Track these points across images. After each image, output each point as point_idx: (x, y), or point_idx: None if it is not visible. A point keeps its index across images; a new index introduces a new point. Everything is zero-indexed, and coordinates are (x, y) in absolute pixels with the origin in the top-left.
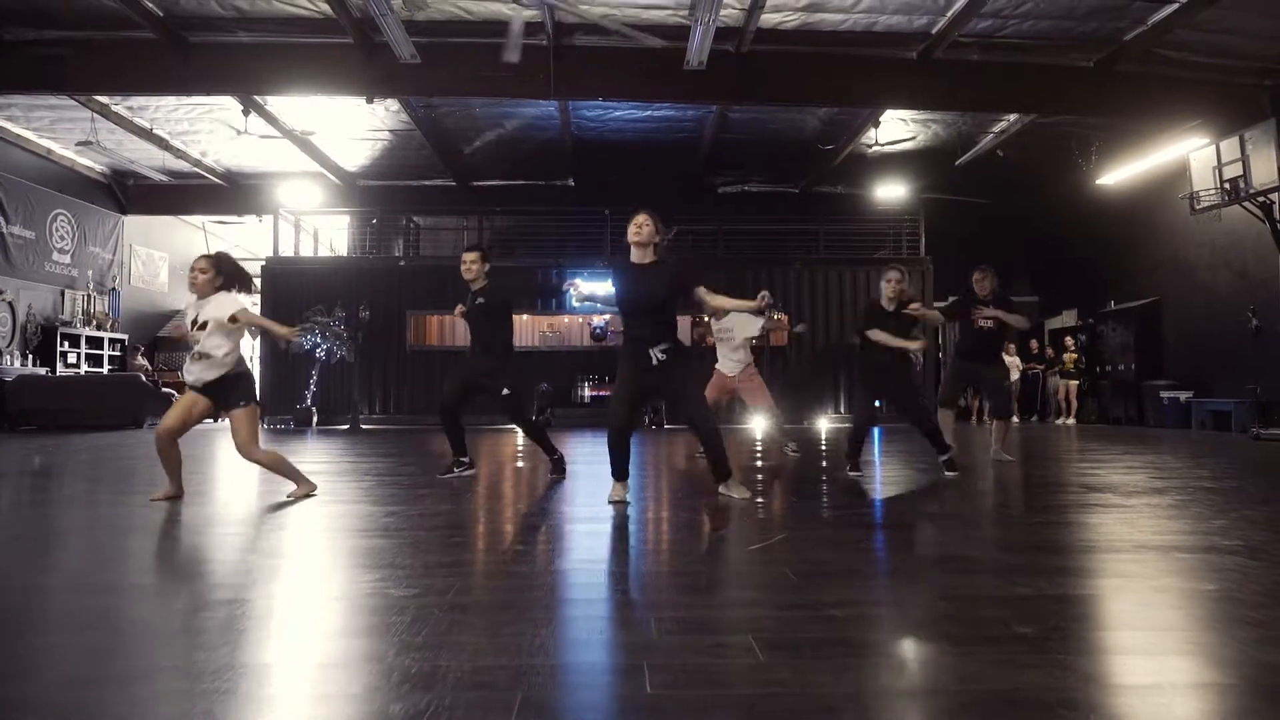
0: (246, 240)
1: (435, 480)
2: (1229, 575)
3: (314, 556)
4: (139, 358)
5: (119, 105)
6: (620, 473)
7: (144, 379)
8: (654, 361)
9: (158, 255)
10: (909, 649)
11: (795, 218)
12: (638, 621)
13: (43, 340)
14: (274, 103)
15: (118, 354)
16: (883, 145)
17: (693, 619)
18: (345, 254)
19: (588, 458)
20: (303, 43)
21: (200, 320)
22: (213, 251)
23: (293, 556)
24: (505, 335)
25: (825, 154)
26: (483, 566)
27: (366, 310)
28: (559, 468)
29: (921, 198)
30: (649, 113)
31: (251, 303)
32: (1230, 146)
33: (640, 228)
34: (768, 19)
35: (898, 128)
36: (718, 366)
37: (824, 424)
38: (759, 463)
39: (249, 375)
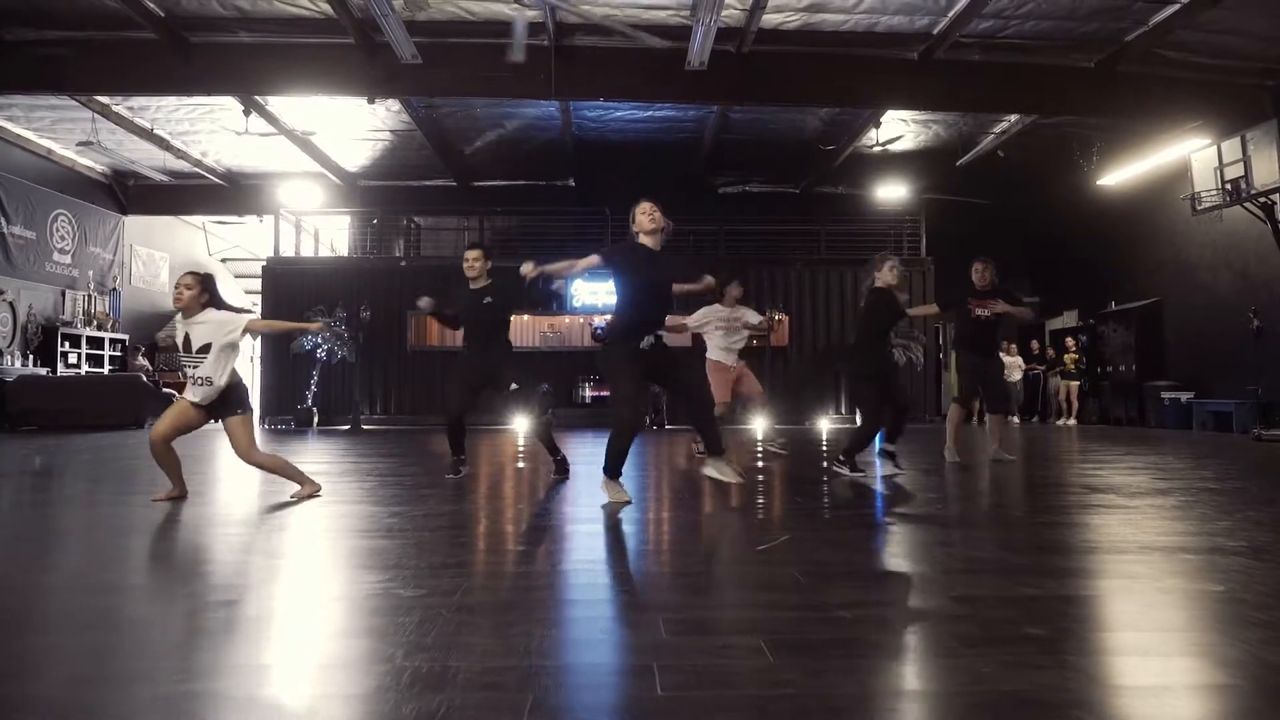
0: (247, 240)
1: (438, 481)
2: (1235, 576)
3: (318, 557)
4: (140, 358)
5: (120, 105)
6: (619, 471)
7: (144, 379)
8: (645, 346)
9: (158, 255)
10: (919, 650)
11: (796, 218)
12: (646, 622)
13: (43, 340)
14: (275, 103)
15: (118, 354)
16: (884, 146)
17: (701, 620)
18: (346, 254)
19: (587, 458)
20: (304, 43)
21: (198, 344)
22: (199, 270)
23: (296, 557)
24: (507, 332)
25: (826, 154)
26: (489, 567)
27: (367, 310)
28: (562, 469)
29: (922, 198)
30: (650, 113)
31: (250, 316)
32: (1232, 147)
33: (654, 214)
34: (769, 19)
35: (898, 128)
36: (717, 359)
37: (824, 424)
38: (761, 461)
39: (242, 385)
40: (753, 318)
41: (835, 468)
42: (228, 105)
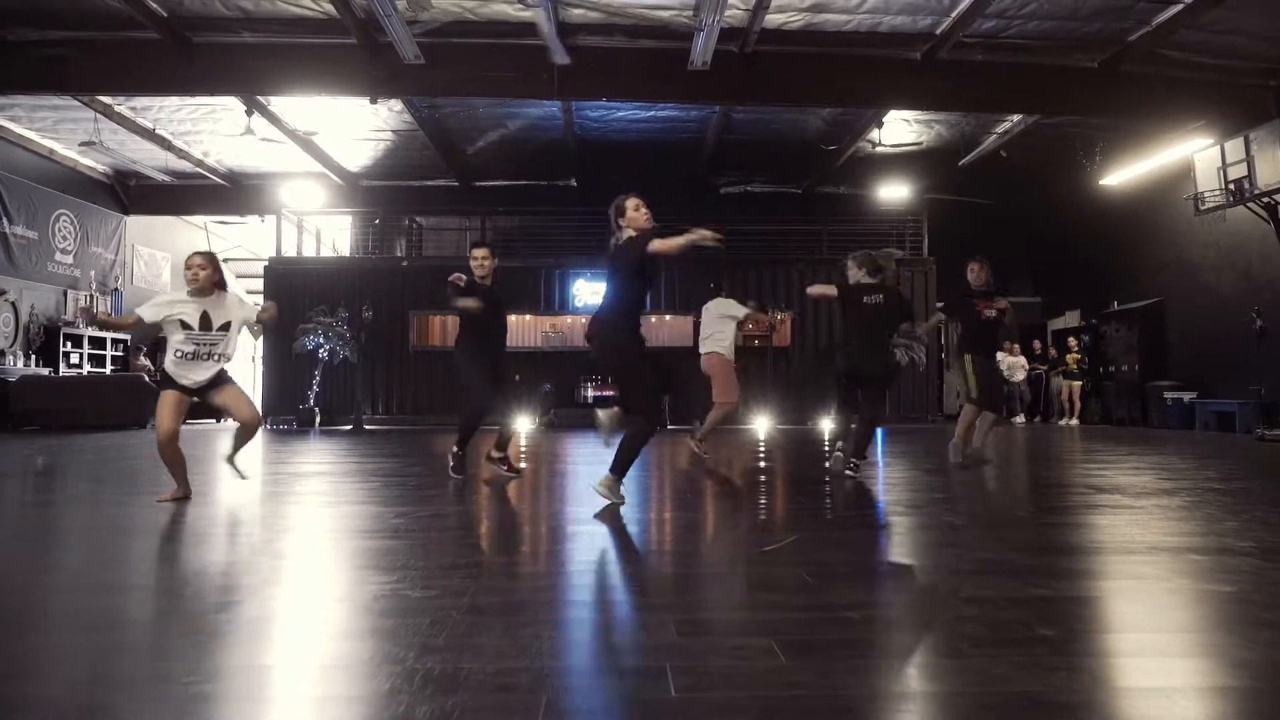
0: (249, 240)
1: (443, 481)
2: (1244, 577)
3: (324, 558)
4: (141, 358)
5: (122, 106)
6: (626, 472)
7: (146, 379)
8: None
9: (160, 255)
10: (930, 651)
11: (798, 218)
12: (657, 623)
13: (45, 340)
14: (277, 103)
15: (120, 354)
16: (886, 146)
17: (712, 621)
18: (348, 254)
19: (587, 459)
20: (306, 43)
21: (219, 322)
22: (206, 250)
23: (302, 558)
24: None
25: (828, 154)
26: (497, 568)
27: (369, 310)
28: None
29: (924, 198)
30: (652, 113)
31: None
32: (1235, 147)
33: (644, 208)
34: (772, 19)
35: (901, 128)
36: (720, 350)
37: (825, 424)
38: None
39: None
40: (738, 310)
41: (848, 473)
42: (230, 105)
